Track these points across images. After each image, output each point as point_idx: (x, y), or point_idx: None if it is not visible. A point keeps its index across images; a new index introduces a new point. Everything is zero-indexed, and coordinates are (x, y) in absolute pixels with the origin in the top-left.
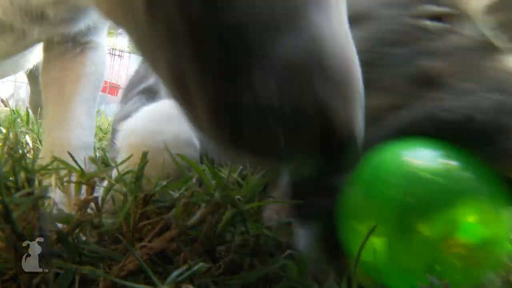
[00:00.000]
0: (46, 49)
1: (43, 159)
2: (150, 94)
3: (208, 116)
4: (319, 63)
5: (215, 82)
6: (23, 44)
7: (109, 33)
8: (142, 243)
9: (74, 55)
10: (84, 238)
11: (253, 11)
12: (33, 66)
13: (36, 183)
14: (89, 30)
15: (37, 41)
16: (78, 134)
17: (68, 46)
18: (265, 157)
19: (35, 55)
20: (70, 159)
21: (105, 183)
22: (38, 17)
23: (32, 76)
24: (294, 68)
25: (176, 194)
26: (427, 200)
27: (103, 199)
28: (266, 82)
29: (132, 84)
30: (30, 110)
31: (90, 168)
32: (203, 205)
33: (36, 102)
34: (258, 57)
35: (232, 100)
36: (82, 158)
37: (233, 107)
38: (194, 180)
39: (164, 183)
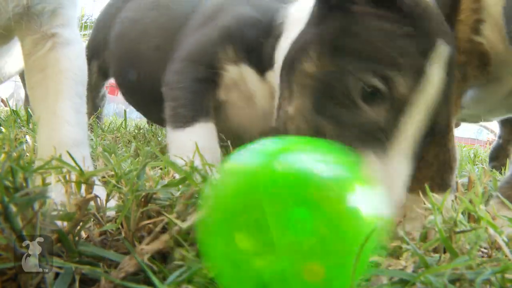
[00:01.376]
0: (23, 52)
1: (41, 159)
2: None
3: None
4: None
5: None
6: None
7: None
8: (142, 246)
9: (47, 52)
10: (84, 237)
11: None
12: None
13: (40, 181)
14: (53, 20)
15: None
16: (65, 132)
17: (37, 40)
18: None
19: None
20: (65, 158)
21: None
22: None
23: None
24: None
25: (177, 193)
26: None
27: (108, 195)
28: None
29: None
30: (30, 110)
31: (89, 167)
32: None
33: None
34: None
35: None
36: (76, 156)
37: None
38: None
39: (165, 182)
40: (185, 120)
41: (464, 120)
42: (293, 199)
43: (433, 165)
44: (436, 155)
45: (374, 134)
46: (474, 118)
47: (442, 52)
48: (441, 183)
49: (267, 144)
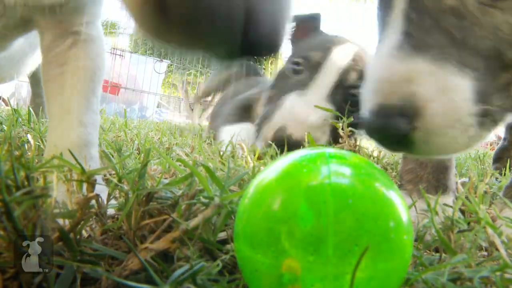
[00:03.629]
0: (41, 44)
1: (46, 158)
2: None
3: None
4: None
5: None
6: (4, 25)
7: (110, 33)
8: (145, 245)
9: (67, 48)
10: (85, 236)
11: None
12: (36, 69)
13: (41, 180)
14: (75, 18)
15: (19, 22)
16: (79, 133)
17: (58, 35)
18: (188, 44)
19: (34, 59)
20: (71, 157)
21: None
22: None
23: (35, 78)
24: None
25: (178, 192)
26: None
27: (109, 194)
28: None
29: None
30: (31, 109)
31: (90, 166)
32: (203, 207)
33: (37, 104)
34: None
35: None
36: (84, 156)
37: None
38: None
39: (167, 181)
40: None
41: None
42: (332, 207)
43: (427, 166)
44: None
45: (297, 87)
46: None
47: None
48: (437, 185)
49: (299, 155)
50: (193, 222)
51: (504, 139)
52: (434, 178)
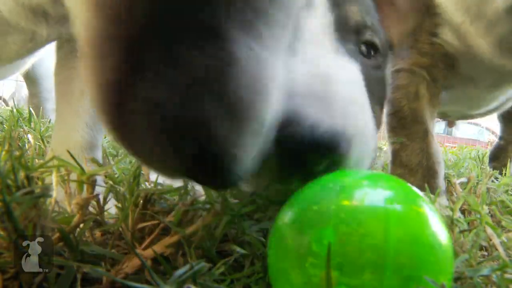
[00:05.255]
0: (57, 48)
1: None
2: None
3: (97, 95)
4: (220, 86)
5: (112, 61)
6: (32, 45)
7: None
8: (143, 246)
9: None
10: (86, 236)
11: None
12: (30, 68)
13: (39, 181)
14: None
15: (47, 41)
16: (83, 134)
17: (75, 44)
18: (142, 155)
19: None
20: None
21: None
22: (41, 14)
23: (30, 78)
24: (192, 80)
25: (174, 199)
26: None
27: (105, 198)
28: (162, 84)
29: None
30: (32, 109)
31: (91, 167)
32: (203, 212)
33: (35, 104)
34: (164, 58)
35: (124, 87)
36: (85, 157)
37: (123, 95)
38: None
39: (166, 181)
40: None
41: (449, 116)
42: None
43: (418, 172)
44: (419, 162)
45: None
46: (458, 114)
47: None
48: (429, 189)
49: (331, 180)
50: (190, 228)
51: (500, 138)
52: (425, 183)
